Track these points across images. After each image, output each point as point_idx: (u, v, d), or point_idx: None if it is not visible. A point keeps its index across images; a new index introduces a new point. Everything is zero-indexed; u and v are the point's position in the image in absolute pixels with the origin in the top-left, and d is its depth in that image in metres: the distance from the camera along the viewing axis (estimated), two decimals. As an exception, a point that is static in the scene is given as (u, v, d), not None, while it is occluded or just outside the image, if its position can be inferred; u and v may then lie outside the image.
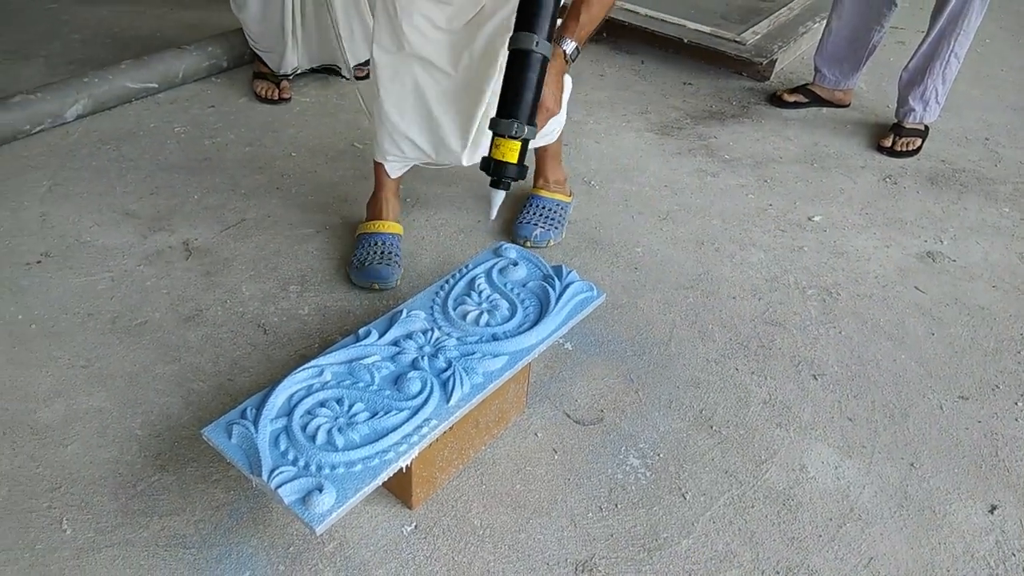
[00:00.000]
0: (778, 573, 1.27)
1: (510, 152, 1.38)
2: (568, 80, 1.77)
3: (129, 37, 2.85)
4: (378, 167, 1.86)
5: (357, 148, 2.30)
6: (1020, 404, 1.62)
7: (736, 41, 2.81)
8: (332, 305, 1.74)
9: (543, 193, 2.02)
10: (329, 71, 2.61)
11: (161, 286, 1.75)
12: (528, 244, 1.92)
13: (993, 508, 1.40)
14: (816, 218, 2.14)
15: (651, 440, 1.49)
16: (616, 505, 1.37)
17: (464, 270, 1.53)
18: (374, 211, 1.91)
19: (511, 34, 1.37)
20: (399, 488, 1.34)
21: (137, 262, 1.81)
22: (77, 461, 1.37)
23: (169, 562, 1.23)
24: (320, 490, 1.09)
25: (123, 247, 1.85)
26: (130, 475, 1.35)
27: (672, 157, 2.37)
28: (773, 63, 2.77)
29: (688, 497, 1.39)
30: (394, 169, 1.85)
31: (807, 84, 2.69)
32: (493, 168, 1.40)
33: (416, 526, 1.31)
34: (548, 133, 1.89)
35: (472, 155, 1.74)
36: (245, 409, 1.21)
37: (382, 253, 1.80)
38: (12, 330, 1.62)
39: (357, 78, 2.49)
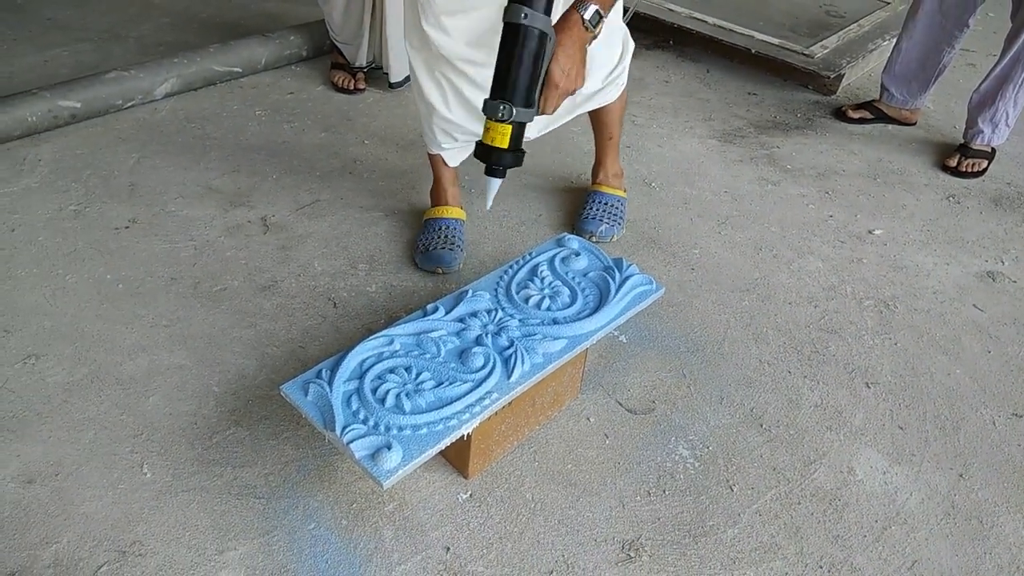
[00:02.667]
0: (821, 568, 1.30)
1: (500, 136, 1.28)
2: (630, 42, 1.77)
3: (215, 23, 2.99)
4: (434, 157, 1.89)
5: (426, 139, 2.39)
6: (1076, 426, 1.61)
7: (804, 54, 2.82)
8: (398, 285, 1.81)
9: (605, 189, 2.07)
10: None
11: (240, 257, 1.85)
12: (594, 239, 1.97)
13: (1042, 523, 1.41)
14: (877, 232, 2.15)
15: (701, 433, 1.52)
16: (664, 491, 1.41)
17: (528, 257, 1.59)
18: (436, 198, 1.98)
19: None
20: (457, 458, 1.40)
21: (218, 233, 1.92)
22: (158, 412, 1.47)
23: (240, 509, 1.31)
24: (388, 448, 1.16)
25: (205, 218, 1.96)
26: (206, 428, 1.44)
27: (733, 164, 2.40)
28: (840, 78, 2.77)
29: (735, 489, 1.42)
30: (452, 157, 1.88)
31: (873, 101, 2.69)
32: (483, 154, 1.32)
33: (471, 495, 1.37)
34: (599, 95, 1.81)
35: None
36: (320, 370, 1.29)
37: (445, 238, 1.87)
38: (100, 288, 1.73)
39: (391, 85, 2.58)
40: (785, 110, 2.74)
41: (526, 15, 1.21)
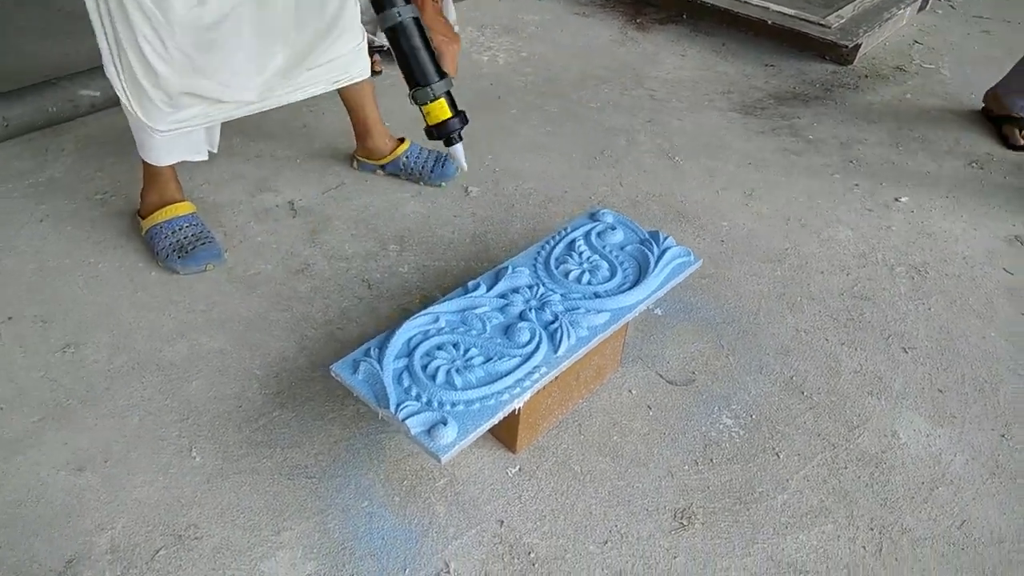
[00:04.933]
0: (872, 530, 1.31)
1: (440, 111, 1.44)
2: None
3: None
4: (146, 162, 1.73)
5: (447, 119, 2.38)
6: (1115, 385, 1.61)
7: (821, 24, 2.81)
8: (430, 265, 1.81)
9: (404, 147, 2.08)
10: None
11: (270, 241, 1.84)
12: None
13: (1088, 481, 1.41)
14: (903, 199, 2.14)
15: (743, 402, 1.53)
16: (711, 460, 1.41)
17: (563, 232, 1.58)
18: (161, 199, 1.79)
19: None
20: (505, 432, 1.40)
21: (247, 218, 1.91)
22: (202, 396, 1.47)
23: (293, 489, 1.31)
24: (444, 424, 1.16)
25: (233, 204, 1.95)
26: (252, 410, 1.44)
27: (755, 136, 2.40)
28: (857, 47, 2.76)
29: (782, 456, 1.43)
30: (170, 147, 1.68)
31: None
32: (437, 133, 1.47)
33: (520, 469, 1.37)
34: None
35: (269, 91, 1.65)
36: (368, 348, 1.29)
37: (195, 236, 1.74)
38: (133, 276, 1.73)
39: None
40: (803, 81, 2.73)
41: (399, 12, 1.37)
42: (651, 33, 3.03)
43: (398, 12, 1.36)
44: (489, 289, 1.43)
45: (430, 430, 1.17)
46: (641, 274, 1.49)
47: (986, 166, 2.32)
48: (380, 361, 1.26)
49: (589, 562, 1.24)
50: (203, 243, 1.74)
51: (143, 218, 1.80)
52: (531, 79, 2.63)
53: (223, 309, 1.65)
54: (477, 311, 1.38)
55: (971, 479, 1.40)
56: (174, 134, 1.61)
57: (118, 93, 1.54)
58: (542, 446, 1.42)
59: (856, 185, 2.19)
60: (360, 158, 2.09)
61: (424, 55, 1.41)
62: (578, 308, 1.40)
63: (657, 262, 1.50)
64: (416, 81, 1.42)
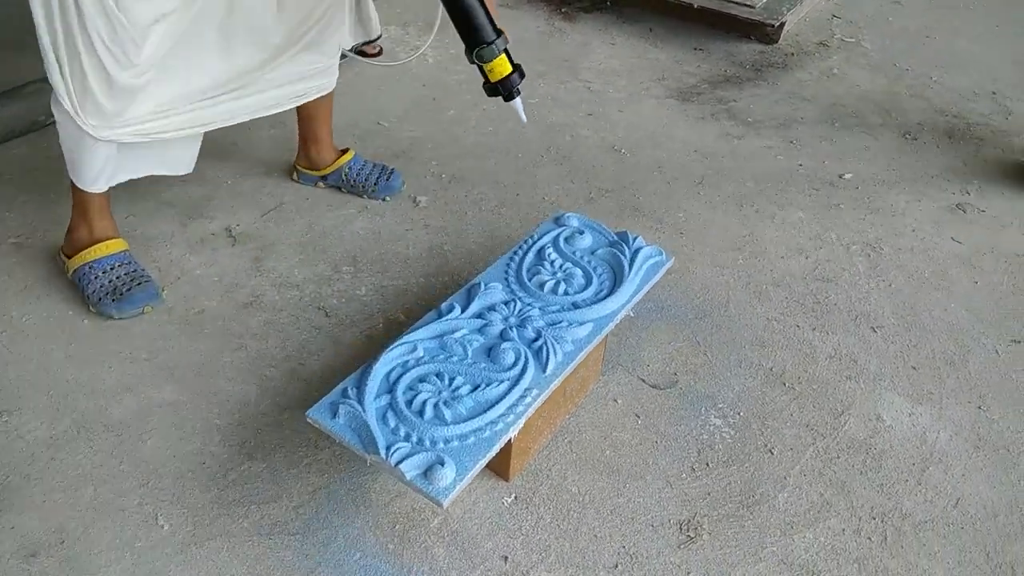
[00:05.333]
0: (874, 519, 1.30)
1: (503, 67, 1.45)
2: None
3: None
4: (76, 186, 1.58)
5: (383, 126, 2.27)
6: (1071, 344, 1.67)
7: (746, 4, 2.82)
8: (389, 284, 1.71)
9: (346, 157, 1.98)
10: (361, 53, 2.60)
11: (211, 274, 1.71)
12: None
13: (1065, 445, 1.45)
14: (847, 176, 2.17)
15: (728, 399, 1.50)
16: (707, 465, 1.38)
17: (530, 241, 1.52)
18: (91, 235, 1.63)
19: None
20: (495, 461, 1.32)
21: (182, 251, 1.77)
22: (160, 455, 1.34)
23: (276, 550, 1.21)
24: (441, 464, 1.09)
25: (164, 236, 1.80)
26: (217, 466, 1.33)
27: (696, 122, 2.38)
28: (783, 25, 2.78)
29: (775, 452, 1.41)
30: (105, 162, 1.53)
31: None
32: (501, 88, 1.48)
33: (516, 497, 1.31)
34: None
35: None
36: (346, 388, 1.20)
37: (129, 275, 1.60)
38: (64, 326, 1.57)
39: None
40: (734, 63, 2.73)
41: None
42: (578, 22, 2.98)
43: None
44: (464, 310, 1.35)
45: (426, 472, 1.09)
46: (617, 279, 1.44)
47: (919, 136, 2.37)
48: (360, 401, 1.17)
49: (602, 589, 1.19)
50: (138, 283, 1.59)
51: (69, 257, 1.63)
52: (464, 77, 2.54)
53: (169, 355, 1.52)
54: (455, 335, 1.30)
55: (958, 455, 1.42)
56: (115, 149, 1.50)
57: (61, 98, 1.41)
58: (535, 470, 1.35)
59: (800, 165, 2.21)
60: (301, 168, 1.97)
61: (483, 13, 1.40)
62: (560, 321, 1.34)
63: (631, 264, 1.46)
64: (479, 39, 1.41)
